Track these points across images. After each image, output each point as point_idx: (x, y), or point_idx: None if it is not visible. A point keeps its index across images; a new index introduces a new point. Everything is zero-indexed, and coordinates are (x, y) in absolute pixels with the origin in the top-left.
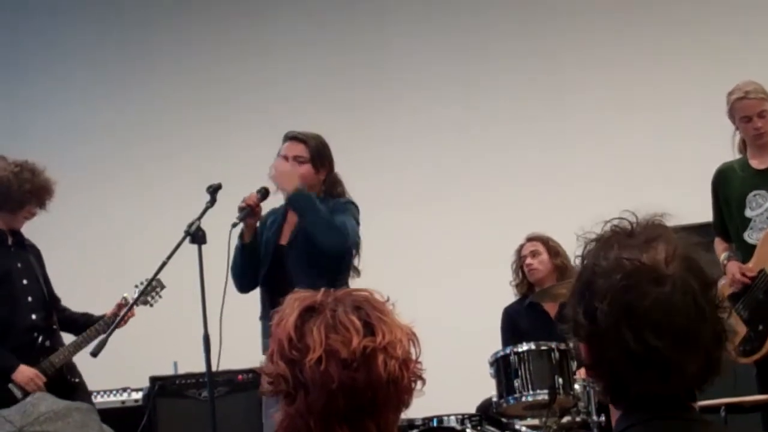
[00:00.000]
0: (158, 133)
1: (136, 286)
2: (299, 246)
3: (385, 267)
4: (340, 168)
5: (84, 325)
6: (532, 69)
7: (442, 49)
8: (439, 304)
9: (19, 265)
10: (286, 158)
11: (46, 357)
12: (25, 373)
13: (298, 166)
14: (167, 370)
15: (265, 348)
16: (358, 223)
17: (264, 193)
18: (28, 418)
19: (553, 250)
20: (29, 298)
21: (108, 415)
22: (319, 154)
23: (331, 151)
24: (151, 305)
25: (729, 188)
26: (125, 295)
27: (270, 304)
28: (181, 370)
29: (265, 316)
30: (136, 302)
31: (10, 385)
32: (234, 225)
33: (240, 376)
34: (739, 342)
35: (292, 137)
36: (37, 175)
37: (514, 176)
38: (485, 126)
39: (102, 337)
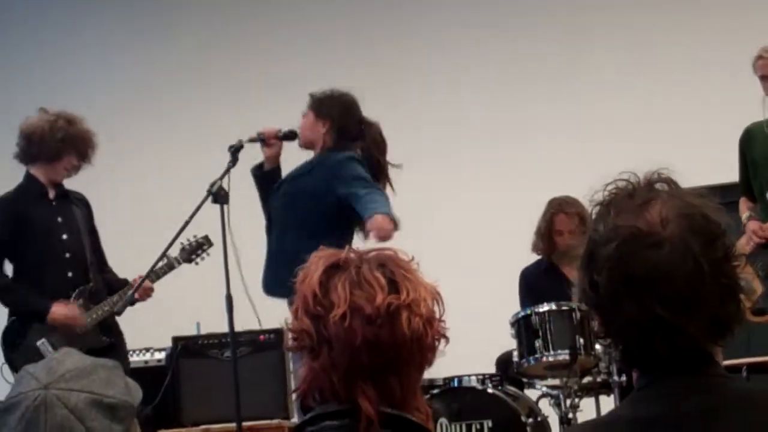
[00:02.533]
0: (180, 93)
1: (182, 244)
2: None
3: (401, 229)
4: None
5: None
6: (553, 28)
7: (463, 7)
8: (457, 264)
9: (60, 219)
10: None
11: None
12: (59, 311)
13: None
14: (190, 331)
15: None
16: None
17: (288, 134)
18: (53, 375)
19: (588, 221)
20: (67, 254)
21: (131, 374)
22: (319, 105)
23: (339, 104)
24: (197, 263)
25: (756, 147)
26: (170, 254)
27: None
28: (204, 331)
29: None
30: (178, 261)
31: (39, 344)
32: (231, 146)
33: (262, 336)
34: (756, 300)
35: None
36: (73, 124)
37: (535, 135)
38: (503, 84)
39: (127, 297)
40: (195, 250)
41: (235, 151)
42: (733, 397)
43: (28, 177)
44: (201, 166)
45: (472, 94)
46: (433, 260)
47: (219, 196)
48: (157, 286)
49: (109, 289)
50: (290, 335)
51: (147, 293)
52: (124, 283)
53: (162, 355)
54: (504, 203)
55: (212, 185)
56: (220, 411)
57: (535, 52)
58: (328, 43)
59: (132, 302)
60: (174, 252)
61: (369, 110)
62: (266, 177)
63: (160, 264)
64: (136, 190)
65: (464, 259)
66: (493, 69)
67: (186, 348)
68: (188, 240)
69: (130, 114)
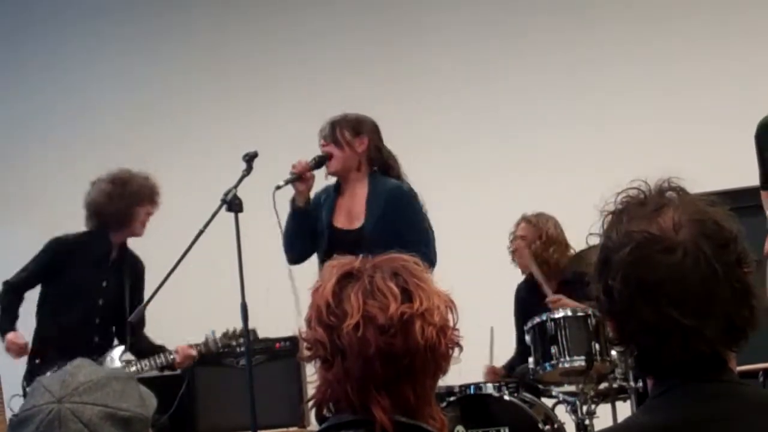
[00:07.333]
0: (194, 102)
1: (227, 330)
2: (371, 235)
3: None
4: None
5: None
6: (564, 25)
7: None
8: (470, 270)
9: (104, 284)
10: None
11: None
12: (10, 338)
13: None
14: None
15: None
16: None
17: (318, 161)
18: (67, 389)
19: (553, 237)
20: (97, 320)
21: (146, 384)
22: (337, 134)
23: (361, 123)
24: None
25: None
26: (207, 334)
27: None
28: None
29: None
30: (217, 344)
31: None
32: (277, 188)
33: (277, 344)
34: None
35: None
36: (128, 183)
37: (547, 138)
38: (520, 81)
39: (140, 306)
40: (236, 338)
41: (250, 159)
42: (750, 402)
43: (101, 234)
44: (213, 175)
45: (490, 90)
46: (447, 267)
47: (233, 204)
48: (172, 294)
49: (141, 354)
50: (304, 345)
51: (187, 358)
52: (159, 348)
53: None
54: (519, 209)
55: (226, 194)
56: (235, 419)
57: (546, 51)
58: (339, 50)
59: (163, 368)
60: (218, 333)
61: (381, 112)
62: (304, 214)
63: (200, 342)
64: None
65: (478, 265)
66: (501, 66)
67: (201, 356)
68: (235, 328)
69: (140, 122)
